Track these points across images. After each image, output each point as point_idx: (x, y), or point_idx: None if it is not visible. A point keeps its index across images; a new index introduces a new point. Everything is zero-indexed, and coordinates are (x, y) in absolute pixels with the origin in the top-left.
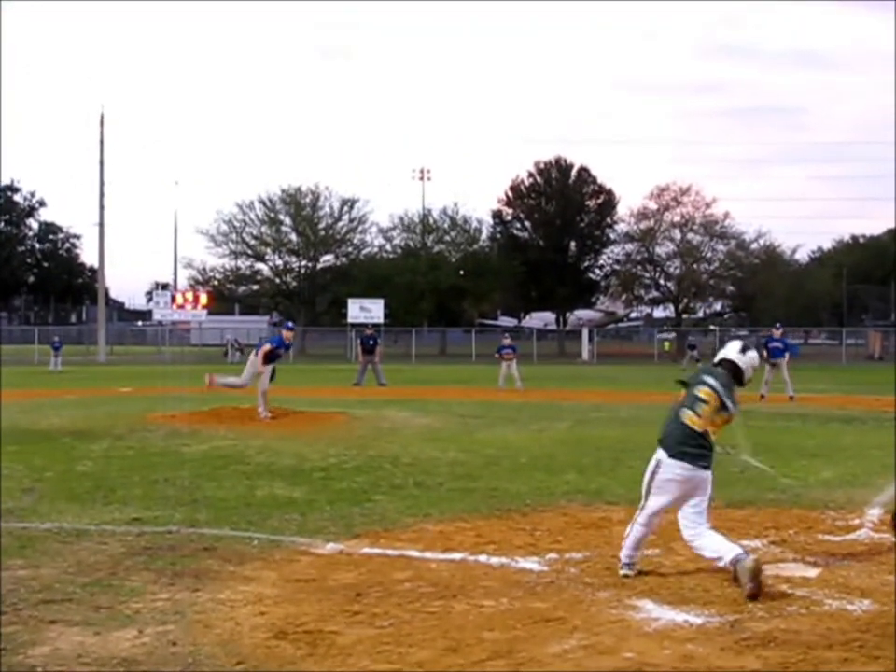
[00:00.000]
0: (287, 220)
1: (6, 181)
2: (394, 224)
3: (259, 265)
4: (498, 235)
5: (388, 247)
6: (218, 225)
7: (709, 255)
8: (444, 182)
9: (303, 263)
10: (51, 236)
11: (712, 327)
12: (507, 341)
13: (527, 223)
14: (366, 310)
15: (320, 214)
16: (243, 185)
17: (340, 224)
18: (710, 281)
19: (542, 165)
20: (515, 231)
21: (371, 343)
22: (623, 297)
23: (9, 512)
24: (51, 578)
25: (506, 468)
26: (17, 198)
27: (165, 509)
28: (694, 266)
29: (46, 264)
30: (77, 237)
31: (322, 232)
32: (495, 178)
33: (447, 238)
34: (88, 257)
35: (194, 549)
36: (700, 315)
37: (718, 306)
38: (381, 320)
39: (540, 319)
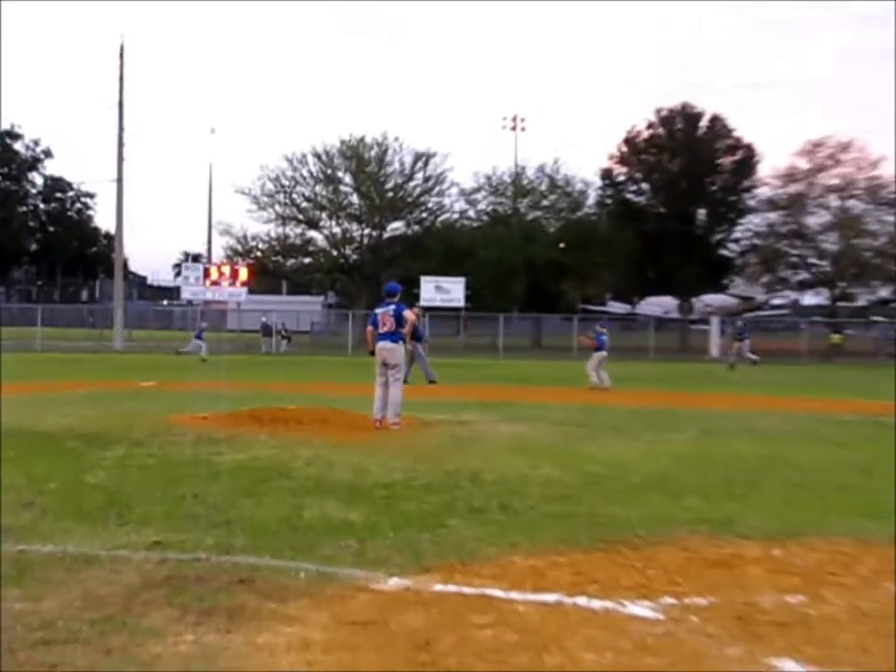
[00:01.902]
0: (348, 178)
1: (5, 125)
2: (479, 185)
3: (313, 233)
4: (608, 200)
5: (471, 213)
6: (263, 183)
7: (875, 227)
8: (542, 134)
9: (366, 232)
10: (59, 194)
11: (876, 318)
12: (601, 330)
13: (645, 185)
14: (443, 291)
15: (388, 171)
16: (293, 134)
17: (412, 184)
18: (876, 260)
19: (665, 114)
20: (629, 196)
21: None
22: (764, 279)
23: (5, 532)
24: (53, 613)
25: (612, 489)
26: (18, 146)
27: (193, 531)
28: (855, 241)
29: (52, 228)
30: (91, 196)
31: (390, 194)
32: (604, 129)
33: (545, 203)
34: (103, 220)
35: (227, 581)
36: (861, 302)
37: (884, 292)
38: (460, 303)
39: (659, 305)
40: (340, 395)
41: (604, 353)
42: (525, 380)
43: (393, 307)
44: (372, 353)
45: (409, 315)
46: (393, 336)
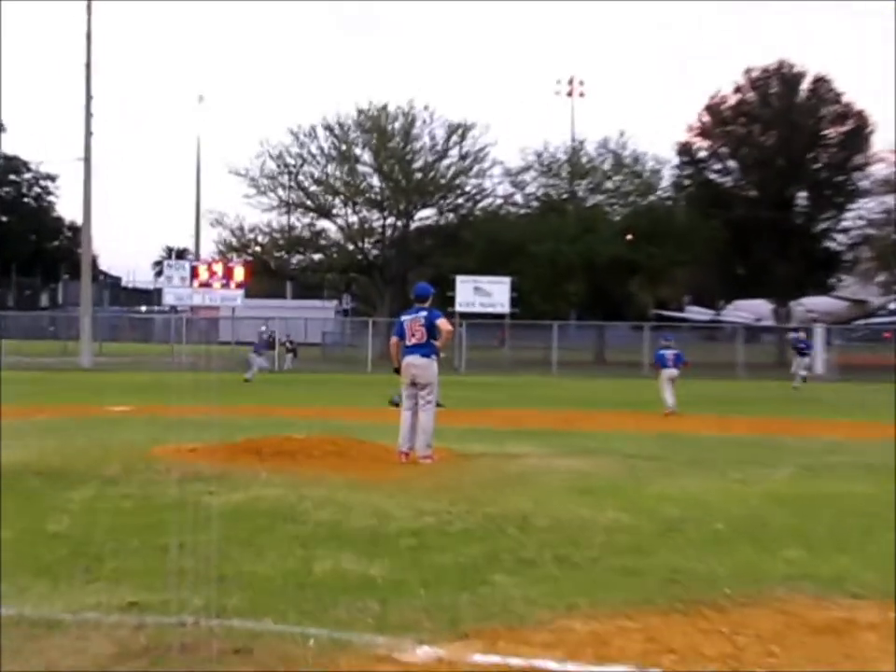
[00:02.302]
0: (367, 156)
1: None
2: (527, 163)
3: (324, 223)
4: (687, 182)
5: (518, 198)
6: (263, 163)
7: None
8: (604, 100)
9: (390, 221)
10: (13, 176)
11: None
12: (668, 343)
13: (732, 163)
14: (484, 294)
15: (416, 146)
16: (300, 103)
17: (445, 162)
18: None
19: (756, 74)
20: (713, 176)
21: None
22: (880, 277)
23: None
24: None
25: (693, 538)
26: None
27: (178, 589)
28: None
29: (4, 218)
30: (52, 178)
31: (418, 175)
32: (682, 95)
33: (608, 185)
34: (67, 208)
35: (219, 651)
36: None
37: None
38: (505, 309)
39: (750, 311)
40: (358, 421)
41: (672, 371)
42: (586, 403)
43: (424, 314)
44: (398, 370)
45: (444, 324)
46: (424, 349)
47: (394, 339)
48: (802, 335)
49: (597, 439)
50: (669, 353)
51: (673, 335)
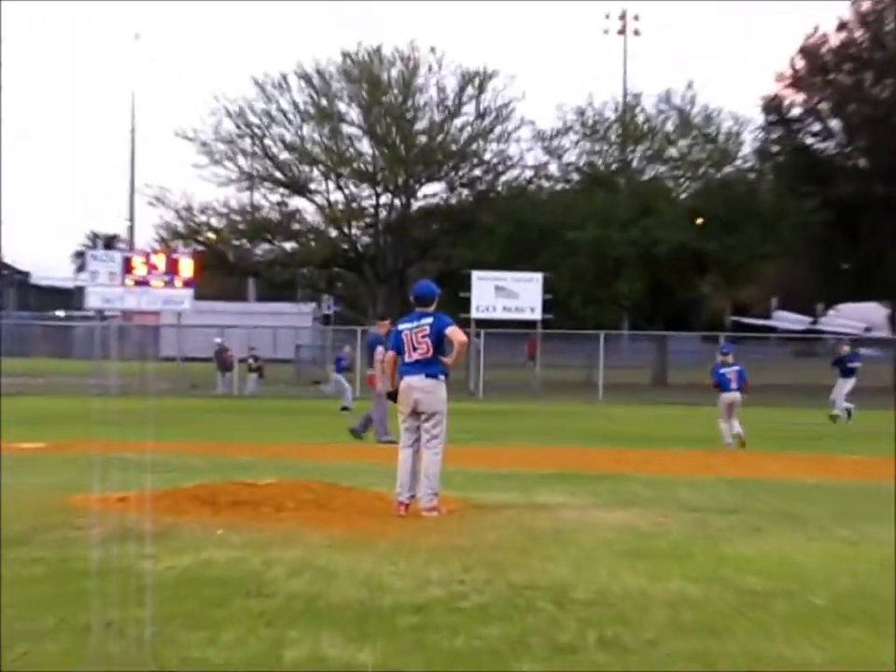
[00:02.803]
0: (354, 114)
1: None
2: (566, 124)
3: (299, 202)
4: (776, 148)
5: (554, 169)
6: (219, 122)
7: None
8: (666, 41)
9: (385, 200)
10: None
11: None
12: (726, 357)
13: (835, 123)
14: (508, 295)
15: (419, 101)
16: (267, 45)
17: (458, 122)
18: None
19: (868, 8)
20: (810, 141)
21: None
22: None
23: None
24: None
25: (782, 615)
26: None
27: None
28: None
29: None
30: None
31: (422, 138)
32: (769, 34)
33: (672, 153)
34: None
35: None
36: None
37: None
38: (536, 314)
39: (859, 318)
40: (342, 462)
41: (735, 395)
42: (641, 438)
43: (429, 321)
44: (394, 395)
45: (457, 333)
46: (429, 367)
47: (389, 353)
48: (848, 349)
49: (656, 485)
50: (731, 371)
51: (732, 346)
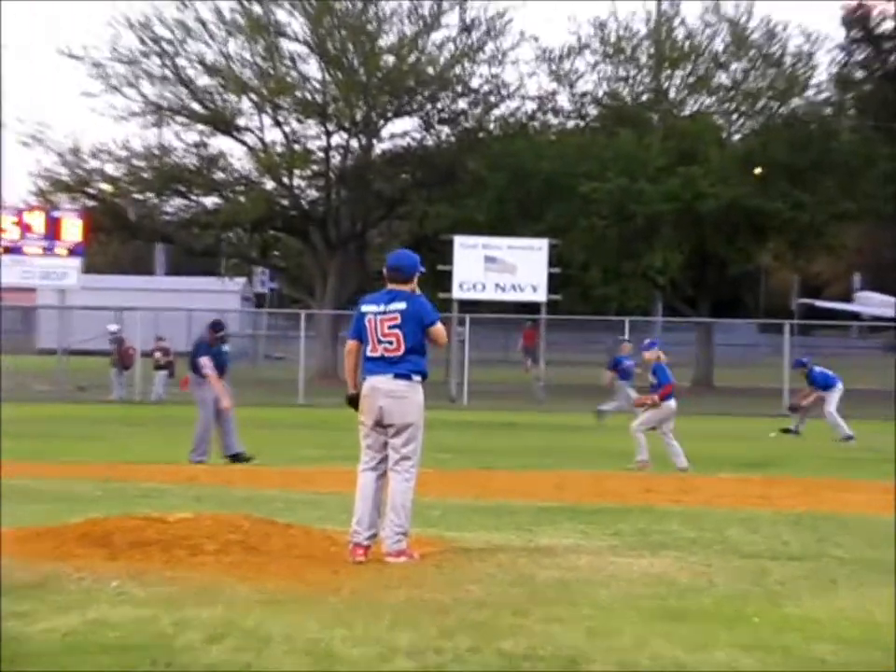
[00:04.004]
0: (298, 26)
1: None
2: (579, 40)
3: (224, 142)
4: (860, 75)
5: (564, 102)
6: (116, 36)
7: None
8: None
9: (338, 141)
10: None
11: None
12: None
13: None
14: (503, 267)
15: (385, 9)
16: None
17: (437, 37)
18: None
19: None
20: None
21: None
22: None
23: None
24: None
25: None
26: None
27: None
28: None
29: None
30: None
31: (389, 58)
32: None
33: (723, 80)
34: None
35: None
36: None
37: None
38: (540, 294)
39: None
40: (279, 489)
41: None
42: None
43: (402, 305)
44: (353, 399)
45: (440, 333)
46: (400, 365)
47: (350, 343)
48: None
49: (696, 522)
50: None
51: (657, 342)
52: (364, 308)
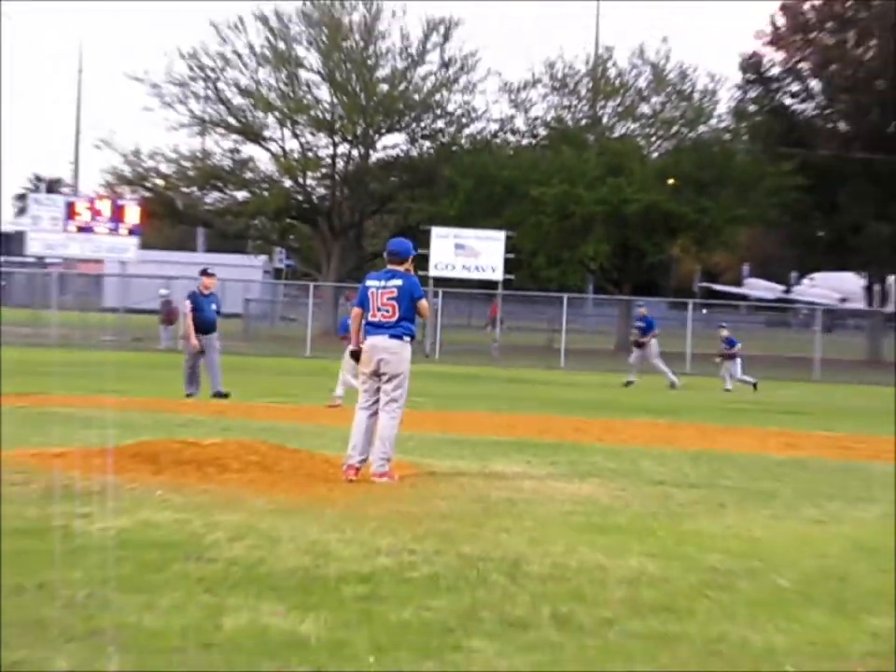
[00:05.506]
0: (314, 59)
1: None
2: (534, 76)
3: (252, 150)
4: (753, 108)
5: (520, 123)
6: (170, 64)
7: None
8: None
9: (343, 150)
10: None
11: None
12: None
13: (815, 83)
14: (469, 253)
15: (382, 48)
16: None
17: (422, 71)
18: None
19: None
20: (789, 101)
21: None
22: None
23: None
24: None
25: (746, 596)
26: None
27: (36, 647)
28: None
29: None
30: None
31: (384, 86)
32: None
33: (644, 110)
34: None
35: None
36: None
37: None
38: (497, 274)
39: (833, 288)
40: (290, 422)
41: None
42: (603, 407)
43: (398, 282)
44: (357, 354)
45: (425, 307)
46: (395, 328)
47: (355, 309)
48: (726, 334)
49: (618, 457)
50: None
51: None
52: (368, 283)
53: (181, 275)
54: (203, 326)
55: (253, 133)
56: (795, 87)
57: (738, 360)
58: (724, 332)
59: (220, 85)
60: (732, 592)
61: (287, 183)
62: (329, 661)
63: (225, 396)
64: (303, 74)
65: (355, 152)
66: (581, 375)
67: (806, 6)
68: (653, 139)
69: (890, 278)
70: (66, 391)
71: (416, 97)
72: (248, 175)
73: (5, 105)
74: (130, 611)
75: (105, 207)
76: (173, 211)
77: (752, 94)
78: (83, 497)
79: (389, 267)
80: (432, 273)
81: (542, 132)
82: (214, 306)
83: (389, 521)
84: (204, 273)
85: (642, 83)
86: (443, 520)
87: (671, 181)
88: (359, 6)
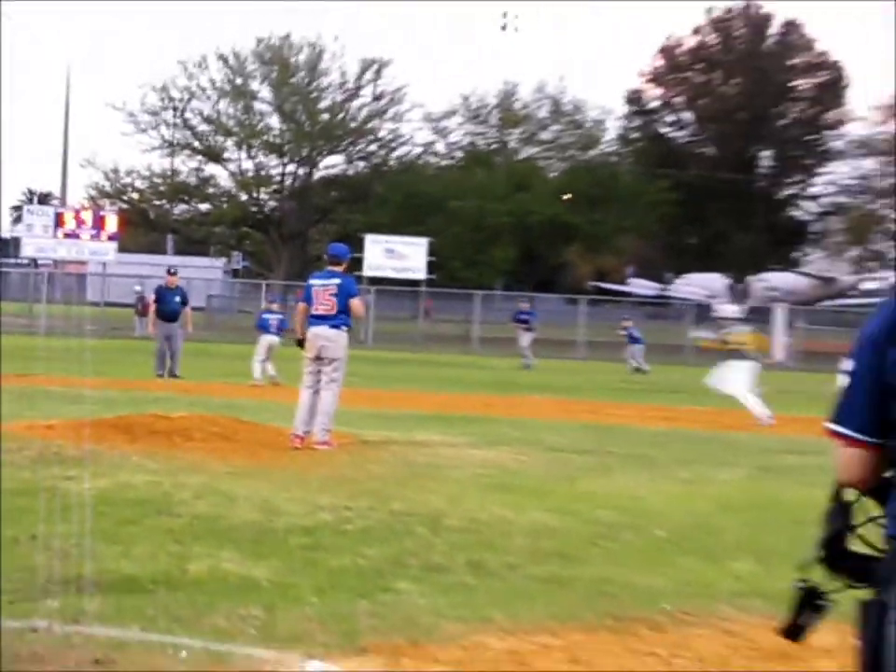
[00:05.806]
0: (266, 92)
1: None
2: (452, 108)
3: (213, 168)
4: (635, 135)
5: (440, 147)
6: (144, 95)
7: None
8: (541, 38)
9: (290, 169)
10: None
11: None
12: (525, 306)
13: (687, 115)
14: (397, 256)
15: (323, 83)
16: (191, 28)
17: (357, 103)
18: None
19: (719, 15)
20: (665, 130)
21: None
22: (853, 253)
23: None
24: None
25: (629, 545)
26: None
27: (28, 591)
28: None
29: None
30: None
31: (325, 116)
32: (631, 36)
33: (544, 136)
34: None
35: (78, 660)
36: None
37: None
38: (420, 274)
39: (702, 286)
40: (246, 399)
41: (274, 338)
42: (509, 386)
43: (337, 281)
44: (301, 342)
45: (359, 305)
46: (334, 319)
47: (301, 304)
48: (526, 306)
49: (521, 428)
50: (274, 318)
51: (277, 295)
52: (312, 281)
53: (153, 275)
54: (166, 315)
55: (214, 155)
56: (671, 118)
57: (641, 347)
58: (627, 323)
59: (187, 114)
60: (618, 542)
61: (244, 197)
62: (278, 601)
63: (177, 377)
64: (257, 105)
65: (301, 171)
66: (492, 360)
67: (681, 49)
68: (552, 161)
69: (749, 279)
70: (54, 373)
71: (353, 125)
72: (210, 190)
73: (4, 124)
74: (109, 559)
75: (88, 217)
76: (146, 220)
77: (635, 124)
78: (69, 463)
79: (329, 268)
80: (366, 273)
81: (459, 154)
82: (178, 298)
83: (329, 482)
84: (168, 272)
85: (543, 114)
86: (375, 481)
87: (567, 197)
88: (304, 48)
